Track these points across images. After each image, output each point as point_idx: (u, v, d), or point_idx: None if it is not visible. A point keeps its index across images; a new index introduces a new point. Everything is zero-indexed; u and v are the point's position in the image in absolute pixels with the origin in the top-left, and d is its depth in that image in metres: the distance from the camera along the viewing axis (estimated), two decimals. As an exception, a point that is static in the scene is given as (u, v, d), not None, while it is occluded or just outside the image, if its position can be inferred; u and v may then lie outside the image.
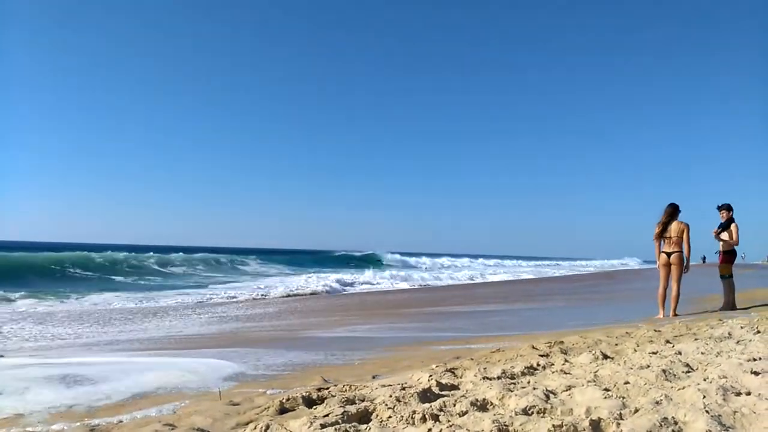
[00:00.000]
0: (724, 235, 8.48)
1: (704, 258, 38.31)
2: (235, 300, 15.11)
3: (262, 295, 16.62)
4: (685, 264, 8.03)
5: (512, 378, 3.47)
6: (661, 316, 7.98)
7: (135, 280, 23.86)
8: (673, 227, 8.02)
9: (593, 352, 4.18)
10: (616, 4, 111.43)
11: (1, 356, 5.82)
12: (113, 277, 24.17)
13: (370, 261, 42.48)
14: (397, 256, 48.02)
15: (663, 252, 8.12)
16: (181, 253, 34.29)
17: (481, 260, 55.01)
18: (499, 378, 3.43)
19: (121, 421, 3.23)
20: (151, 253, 32.09)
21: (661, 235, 8.12)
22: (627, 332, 5.81)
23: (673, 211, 8.06)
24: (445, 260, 51.12)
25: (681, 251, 7.99)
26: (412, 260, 47.37)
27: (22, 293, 14.82)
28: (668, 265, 8.08)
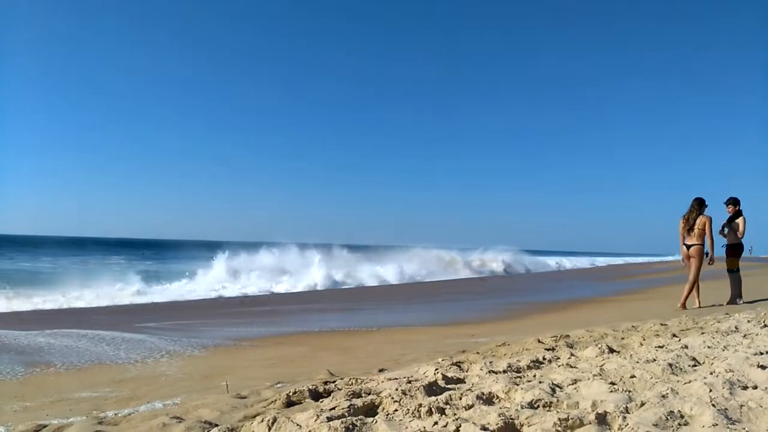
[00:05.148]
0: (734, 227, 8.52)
1: (707, 254, 37.88)
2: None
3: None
4: (709, 256, 8.09)
5: (518, 372, 3.47)
6: (697, 305, 8.17)
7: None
8: (697, 220, 8.10)
9: (599, 345, 4.17)
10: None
11: None
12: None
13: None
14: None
15: (684, 244, 8.23)
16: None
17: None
18: (505, 372, 3.43)
19: (129, 414, 3.26)
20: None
21: (688, 230, 8.20)
22: (633, 326, 5.80)
23: (699, 206, 8.12)
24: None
25: (701, 244, 8.07)
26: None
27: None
28: (689, 257, 8.19)
